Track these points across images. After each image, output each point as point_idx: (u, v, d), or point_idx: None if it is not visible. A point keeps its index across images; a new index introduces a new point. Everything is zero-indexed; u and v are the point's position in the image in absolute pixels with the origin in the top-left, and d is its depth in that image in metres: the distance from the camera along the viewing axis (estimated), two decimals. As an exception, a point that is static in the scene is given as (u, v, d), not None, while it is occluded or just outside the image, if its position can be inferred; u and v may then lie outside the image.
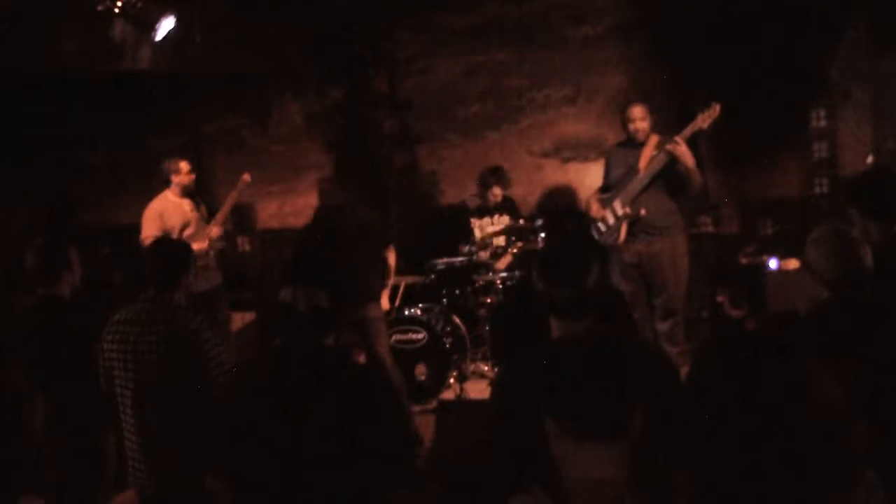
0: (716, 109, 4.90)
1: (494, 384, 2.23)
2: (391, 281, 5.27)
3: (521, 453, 1.77)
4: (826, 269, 2.62)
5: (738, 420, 1.43)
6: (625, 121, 5.20)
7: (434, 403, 5.05)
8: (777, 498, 1.35)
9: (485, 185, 6.01)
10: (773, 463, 1.34)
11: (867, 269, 2.58)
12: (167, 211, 5.46)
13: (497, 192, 6.01)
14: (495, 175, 6.01)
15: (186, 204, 5.53)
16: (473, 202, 6.14)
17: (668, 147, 4.93)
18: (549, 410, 1.44)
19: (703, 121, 4.93)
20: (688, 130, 4.97)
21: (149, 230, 5.40)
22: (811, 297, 2.70)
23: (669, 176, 5.05)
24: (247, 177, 5.62)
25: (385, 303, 5.18)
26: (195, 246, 5.38)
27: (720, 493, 1.42)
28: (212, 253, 5.56)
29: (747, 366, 1.48)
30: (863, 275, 2.58)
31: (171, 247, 3.51)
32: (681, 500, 1.49)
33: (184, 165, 5.51)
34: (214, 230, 5.53)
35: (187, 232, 5.47)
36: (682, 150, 4.91)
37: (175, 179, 5.49)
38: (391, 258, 5.17)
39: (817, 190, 6.10)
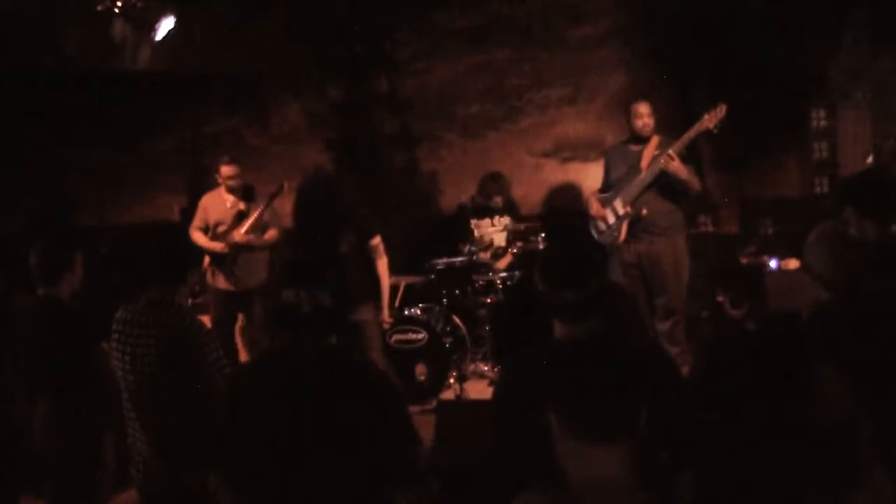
0: (722, 109, 4.89)
1: (497, 384, 2.22)
2: (387, 289, 5.16)
3: (524, 453, 1.76)
4: (825, 270, 2.62)
5: (741, 419, 1.43)
6: (630, 117, 5.18)
7: (434, 403, 5.04)
8: (782, 498, 1.35)
9: (487, 195, 6.00)
10: (777, 463, 1.34)
11: (866, 269, 2.58)
12: (211, 205, 5.62)
13: (499, 201, 6.00)
14: (496, 184, 5.98)
15: (230, 202, 5.59)
16: (474, 202, 6.14)
17: (662, 162, 4.94)
18: (554, 412, 1.43)
19: (710, 121, 4.91)
20: (693, 130, 4.96)
21: (195, 221, 5.61)
22: (813, 299, 2.70)
23: (671, 176, 5.05)
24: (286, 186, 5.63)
25: (385, 314, 5.12)
26: (215, 245, 5.44)
27: (724, 492, 1.42)
28: (249, 253, 5.56)
29: (750, 365, 1.47)
30: (862, 275, 2.58)
31: (174, 247, 3.50)
32: (685, 499, 1.49)
33: (224, 169, 5.56)
34: (237, 234, 5.47)
35: (220, 229, 5.53)
36: (676, 166, 4.92)
37: (218, 179, 5.61)
38: (380, 262, 4.97)
39: (817, 190, 6.11)
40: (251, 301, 5.62)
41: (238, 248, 5.48)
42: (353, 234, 4.78)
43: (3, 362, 3.59)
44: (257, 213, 5.48)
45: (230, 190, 5.57)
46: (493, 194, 5.96)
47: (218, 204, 5.60)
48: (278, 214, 5.70)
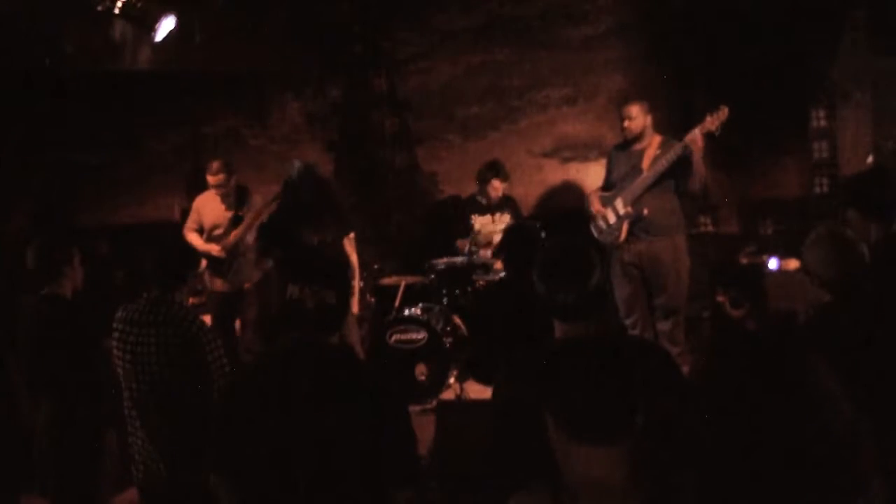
0: (724, 112, 4.86)
1: (497, 384, 2.22)
2: (358, 282, 5.23)
3: (523, 452, 1.77)
4: (824, 271, 2.62)
5: (741, 421, 1.43)
6: (620, 118, 5.21)
7: (434, 403, 5.05)
8: (782, 500, 1.35)
9: (484, 181, 6.01)
10: (776, 466, 1.34)
11: (866, 269, 2.58)
12: (204, 207, 5.59)
13: (497, 185, 5.98)
14: (493, 169, 6.00)
15: (226, 205, 5.56)
16: (475, 199, 6.14)
17: (688, 139, 4.88)
18: (551, 411, 1.43)
19: (712, 123, 4.89)
20: (695, 132, 4.94)
21: (188, 222, 5.61)
22: (812, 300, 2.70)
23: (673, 176, 5.05)
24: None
25: (354, 305, 5.15)
26: (211, 248, 5.44)
27: (722, 495, 1.42)
28: (243, 256, 5.55)
29: (750, 366, 1.47)
30: (861, 275, 2.58)
31: (175, 247, 3.51)
32: (684, 500, 1.49)
33: (211, 179, 5.46)
34: (230, 239, 5.48)
35: (216, 232, 5.53)
36: (700, 147, 4.88)
37: (208, 181, 5.51)
38: (353, 257, 5.08)
39: (817, 190, 6.10)
40: (245, 301, 5.63)
41: (235, 252, 5.49)
42: (334, 227, 4.88)
43: (7, 362, 3.59)
44: (252, 221, 5.45)
45: (222, 198, 5.52)
46: (489, 179, 5.96)
47: (213, 207, 5.56)
48: None
